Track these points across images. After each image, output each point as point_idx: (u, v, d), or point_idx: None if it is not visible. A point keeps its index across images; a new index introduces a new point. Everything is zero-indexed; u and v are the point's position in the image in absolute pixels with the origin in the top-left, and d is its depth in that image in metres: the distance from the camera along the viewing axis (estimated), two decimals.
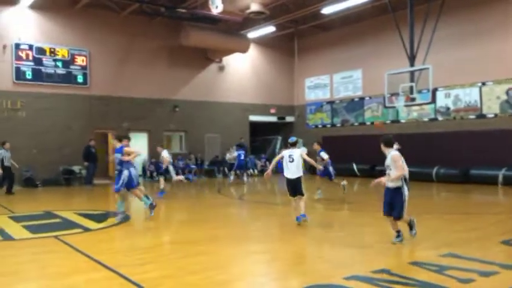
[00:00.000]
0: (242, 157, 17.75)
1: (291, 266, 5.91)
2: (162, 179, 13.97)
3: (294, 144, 8.53)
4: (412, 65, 15.63)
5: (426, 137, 18.18)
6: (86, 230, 8.40)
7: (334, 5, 17.70)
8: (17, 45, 17.32)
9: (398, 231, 6.75)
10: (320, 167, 11.74)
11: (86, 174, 17.55)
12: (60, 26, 18.30)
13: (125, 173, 9.12)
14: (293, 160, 8.29)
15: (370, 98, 20.90)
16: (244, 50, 21.74)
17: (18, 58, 17.35)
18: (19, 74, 17.35)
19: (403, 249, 6.63)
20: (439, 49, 16.49)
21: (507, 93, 16.36)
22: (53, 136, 17.60)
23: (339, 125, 22.53)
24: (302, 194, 8.42)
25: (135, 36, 19.83)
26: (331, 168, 12.40)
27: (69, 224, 8.93)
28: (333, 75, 22.82)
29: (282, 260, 6.25)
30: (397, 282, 4.88)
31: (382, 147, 6.84)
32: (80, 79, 18.62)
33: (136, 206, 13.93)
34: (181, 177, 15.33)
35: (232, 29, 21.05)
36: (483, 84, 16.98)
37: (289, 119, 24.91)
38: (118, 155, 9.22)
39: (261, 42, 23.12)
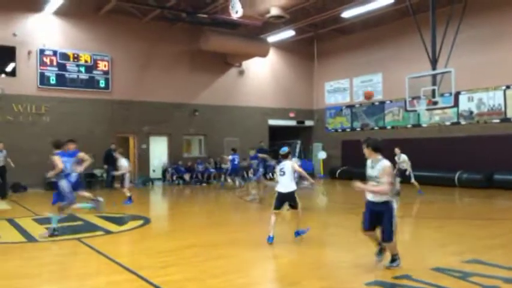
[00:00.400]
0: (236, 161, 17.55)
1: (310, 271, 5.87)
2: (126, 188, 13.25)
3: (285, 156, 7.58)
4: (434, 68, 15.39)
5: (448, 142, 17.88)
6: (108, 232, 8.52)
7: (355, 8, 17.59)
8: (42, 51, 17.71)
9: (394, 255, 5.67)
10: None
11: (106, 177, 17.81)
12: (84, 32, 18.66)
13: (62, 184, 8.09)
14: (284, 173, 7.37)
15: (391, 101, 20.68)
16: (263, 54, 21.79)
17: (43, 64, 17.74)
18: (43, 79, 17.74)
19: (425, 255, 6.52)
20: (461, 52, 16.22)
21: None
22: (77, 140, 17.85)
23: (358, 129, 22.34)
24: (296, 207, 7.49)
25: (157, 41, 20.07)
26: None
27: (91, 227, 9.06)
28: (353, 79, 22.67)
29: (301, 264, 6.22)
30: None
31: (368, 151, 5.60)
32: (102, 84, 18.93)
33: (155, 209, 14.07)
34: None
35: (252, 33, 21.13)
36: (507, 87, 16.63)
37: (309, 123, 24.83)
38: (70, 160, 8.30)
39: (281, 46, 23.14)
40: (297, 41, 22.77)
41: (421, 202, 13.32)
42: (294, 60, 24.37)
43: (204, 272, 5.70)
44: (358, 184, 5.52)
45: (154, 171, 20.64)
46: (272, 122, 23.58)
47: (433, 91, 15.03)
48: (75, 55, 18.39)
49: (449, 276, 5.26)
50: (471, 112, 17.73)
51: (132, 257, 6.52)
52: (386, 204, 5.48)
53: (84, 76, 18.56)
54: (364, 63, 21.82)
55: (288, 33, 20.88)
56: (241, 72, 22.80)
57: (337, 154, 22.82)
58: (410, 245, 7.22)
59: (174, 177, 19.94)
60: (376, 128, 21.43)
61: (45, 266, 6.48)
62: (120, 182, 13.46)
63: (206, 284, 5.20)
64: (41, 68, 17.70)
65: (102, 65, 18.93)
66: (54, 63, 17.95)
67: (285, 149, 7.62)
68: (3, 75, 17.55)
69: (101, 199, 9.17)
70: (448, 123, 18.46)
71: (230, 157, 17.69)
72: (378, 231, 5.61)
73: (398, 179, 13.56)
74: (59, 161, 8.08)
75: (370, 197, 5.60)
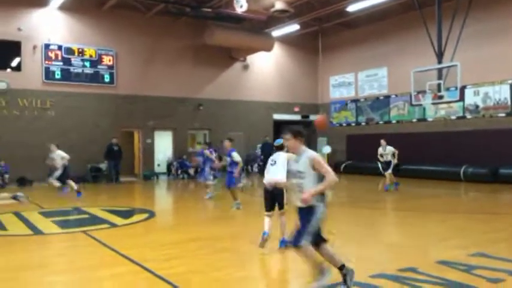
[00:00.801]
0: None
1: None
2: (71, 181, 12.82)
3: (280, 148, 6.63)
4: (439, 62, 15.31)
5: (454, 136, 17.79)
6: (113, 225, 8.56)
7: (360, 2, 17.48)
8: (47, 46, 17.74)
9: (321, 269, 4.42)
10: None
11: (107, 171, 17.94)
12: (88, 26, 18.67)
13: None
14: (275, 163, 6.46)
15: (396, 96, 20.59)
16: (268, 49, 21.73)
17: (48, 58, 17.78)
18: (48, 74, 17.78)
19: (430, 248, 6.52)
20: (467, 46, 16.10)
21: None
22: (81, 134, 17.97)
23: (363, 123, 22.28)
24: (283, 207, 6.58)
25: (161, 36, 20.06)
26: None
27: (96, 220, 9.11)
28: (358, 73, 22.58)
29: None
30: (425, 281, 4.80)
31: (291, 141, 4.48)
32: (106, 78, 18.96)
33: (159, 203, 14.12)
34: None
35: (257, 27, 21.07)
36: None
37: (313, 117, 24.75)
38: None
39: (285, 40, 23.06)
40: (302, 35, 22.69)
41: (425, 196, 13.29)
42: (299, 55, 24.30)
43: (208, 264, 5.72)
44: (305, 195, 4.27)
45: (159, 165, 20.70)
46: (277, 116, 23.55)
47: (439, 85, 14.96)
48: (80, 50, 18.42)
49: (454, 269, 5.26)
50: (477, 106, 17.63)
51: (137, 250, 6.54)
52: (312, 209, 4.32)
53: (88, 71, 18.59)
54: (369, 57, 21.72)
55: (293, 28, 20.80)
56: (246, 67, 22.76)
57: (342, 148, 22.78)
58: (414, 239, 7.21)
59: (179, 172, 19.98)
60: (381, 122, 21.36)
61: (51, 258, 6.54)
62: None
63: (210, 277, 5.22)
64: (46, 62, 17.74)
65: (107, 60, 18.95)
66: (59, 58, 17.99)
67: (279, 141, 6.76)
68: (8, 70, 17.59)
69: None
70: (453, 117, 18.36)
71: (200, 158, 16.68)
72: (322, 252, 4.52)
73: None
74: None
75: (298, 203, 4.43)
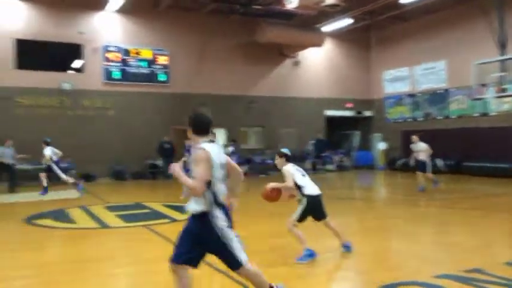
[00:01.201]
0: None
1: (377, 261, 5.79)
2: (43, 177, 12.90)
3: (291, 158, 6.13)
4: (502, 53, 14.55)
5: None
6: (173, 220, 8.83)
7: None
8: (106, 48, 18.54)
9: None
10: None
11: (163, 168, 18.47)
12: (144, 28, 19.32)
13: None
14: (305, 174, 6.01)
15: (456, 89, 19.75)
16: (319, 44, 21.52)
17: (107, 60, 18.58)
18: (108, 75, 18.58)
19: (496, 249, 6.25)
20: None
21: None
22: (139, 132, 18.64)
23: (420, 118, 21.55)
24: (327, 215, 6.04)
25: (212, 34, 20.39)
26: None
27: (157, 215, 9.44)
28: (414, 67, 21.86)
29: (367, 255, 6.14)
30: (492, 283, 4.61)
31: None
32: (161, 78, 19.55)
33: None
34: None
35: (307, 23, 20.91)
36: None
37: (367, 113, 24.29)
38: None
39: (337, 35, 22.73)
40: (353, 29, 22.26)
41: (489, 195, 12.70)
42: (350, 49, 23.89)
43: (266, 260, 5.77)
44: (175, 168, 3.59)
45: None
46: (329, 112, 23.29)
47: (502, 78, 14.23)
48: (137, 51, 19.10)
49: None
50: None
51: None
52: (205, 221, 3.51)
53: (145, 71, 19.24)
54: (425, 51, 20.96)
55: (344, 22, 20.45)
56: (297, 63, 22.67)
57: (397, 145, 22.18)
58: (480, 238, 6.93)
59: None
60: (439, 117, 20.58)
61: (117, 250, 6.87)
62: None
63: (269, 272, 5.25)
64: (106, 64, 18.54)
65: (162, 60, 19.53)
66: (118, 59, 18.74)
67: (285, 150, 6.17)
68: (71, 72, 18.54)
69: None
70: None
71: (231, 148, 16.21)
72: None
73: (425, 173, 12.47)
74: None
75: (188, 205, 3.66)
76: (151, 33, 19.37)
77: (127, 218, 8.82)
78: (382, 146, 22.60)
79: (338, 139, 24.56)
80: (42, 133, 16.74)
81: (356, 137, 24.37)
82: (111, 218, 9.00)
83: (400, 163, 20.78)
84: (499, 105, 17.89)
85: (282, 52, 22.07)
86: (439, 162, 17.67)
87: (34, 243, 7.24)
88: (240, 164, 14.39)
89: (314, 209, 5.82)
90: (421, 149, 12.69)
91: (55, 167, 12.71)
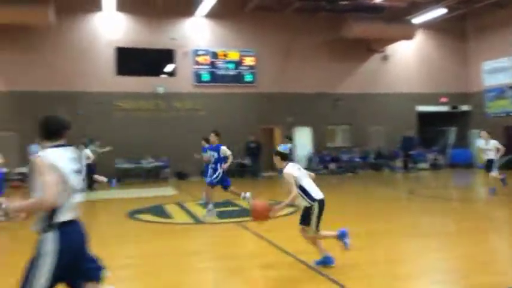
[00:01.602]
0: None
1: (480, 265, 5.37)
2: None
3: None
4: None
5: None
6: None
7: None
8: (195, 52, 19.34)
9: None
10: None
11: (251, 167, 18.82)
12: (231, 30, 19.86)
13: None
14: (303, 171, 5.43)
15: None
16: (410, 37, 20.55)
17: (196, 63, 19.37)
18: (197, 77, 19.37)
19: None
20: None
21: None
22: (227, 132, 18.93)
23: None
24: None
25: (297, 33, 20.35)
26: None
27: (247, 212, 9.58)
28: None
29: (469, 257, 5.74)
30: None
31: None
32: (248, 78, 19.95)
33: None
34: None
35: (397, 15, 20.04)
36: None
37: (464, 107, 22.71)
38: None
39: (428, 26, 21.51)
40: (446, 19, 20.93)
41: None
42: (444, 40, 22.50)
43: (362, 259, 5.62)
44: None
45: (299, 161, 21.04)
46: (421, 108, 22.14)
47: None
48: (224, 53, 19.68)
49: None
50: None
51: (289, 242, 6.70)
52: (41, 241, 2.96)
53: (232, 72, 19.77)
54: None
55: (437, 12, 19.30)
56: (385, 58, 21.84)
57: (499, 141, 20.43)
58: None
59: (320, 167, 20.05)
60: None
61: (212, 245, 7.12)
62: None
63: (367, 272, 5.12)
64: (195, 67, 19.33)
65: (249, 60, 19.92)
66: (206, 62, 19.45)
67: (285, 147, 5.87)
68: (164, 76, 19.59)
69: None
70: None
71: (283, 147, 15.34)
72: None
73: None
74: None
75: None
76: (238, 35, 19.85)
77: (219, 215, 9.09)
78: (480, 143, 20.96)
79: (432, 136, 23.21)
80: (139, 135, 18.03)
81: (452, 134, 22.86)
82: (204, 214, 9.31)
83: (502, 161, 19.10)
84: None
85: (370, 47, 21.41)
86: None
87: (137, 236, 7.76)
88: (325, 162, 14.09)
89: (321, 214, 5.19)
90: (492, 147, 11.54)
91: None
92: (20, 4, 15.41)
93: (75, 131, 16.62)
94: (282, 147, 5.54)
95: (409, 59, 22.16)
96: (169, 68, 19.52)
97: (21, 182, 12.69)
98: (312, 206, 5.12)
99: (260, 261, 5.81)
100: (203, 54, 19.46)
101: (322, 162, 20.14)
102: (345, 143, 21.44)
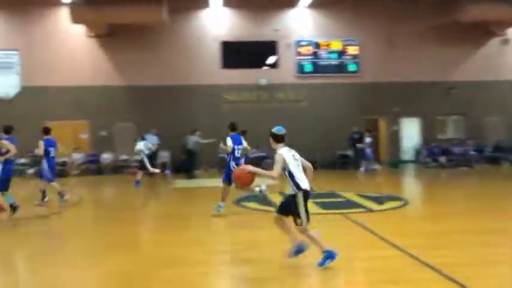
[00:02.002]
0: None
1: None
2: (140, 171, 13.47)
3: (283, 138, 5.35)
4: None
5: None
6: (369, 210, 8.73)
7: None
8: (298, 42, 19.34)
9: None
10: None
11: (354, 159, 18.28)
12: (333, 20, 19.50)
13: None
14: (298, 159, 5.20)
15: None
16: None
17: (299, 54, 19.36)
18: (300, 68, 19.37)
19: None
20: None
21: None
22: (330, 123, 18.92)
23: None
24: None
25: (400, 20, 19.35)
26: None
27: (352, 204, 9.46)
28: None
29: None
30: None
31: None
32: (351, 68, 19.47)
33: (410, 190, 13.68)
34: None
35: None
36: None
37: None
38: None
39: None
40: None
41: None
42: None
43: (477, 257, 5.26)
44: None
45: (406, 153, 20.13)
46: None
47: None
48: (327, 43, 19.41)
49: None
50: None
51: (397, 235, 6.47)
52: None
53: (335, 62, 19.45)
54: None
55: None
56: (506, 41, 19.87)
57: None
58: None
59: (428, 160, 18.94)
60: None
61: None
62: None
63: (485, 272, 4.76)
64: (298, 58, 19.34)
65: (352, 50, 19.44)
66: (309, 53, 19.36)
67: (280, 129, 5.40)
68: (266, 68, 19.89)
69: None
70: None
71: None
72: None
73: None
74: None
75: None
76: (340, 25, 19.45)
77: (324, 206, 9.04)
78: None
79: None
80: (243, 126, 18.46)
81: None
82: (309, 205, 9.30)
83: None
84: None
85: (489, 30, 19.58)
86: None
87: (244, 223, 8.08)
88: (435, 155, 13.23)
89: (306, 205, 5.11)
90: None
91: (145, 160, 13.58)
92: (137, 5, 16.71)
93: (188, 122, 17.73)
94: (276, 128, 5.02)
95: None
96: (271, 59, 19.78)
97: (138, 169, 13.80)
98: (296, 194, 5.03)
99: (369, 254, 5.72)
100: (306, 45, 19.40)
101: (431, 155, 18.99)
102: (456, 135, 19.99)
